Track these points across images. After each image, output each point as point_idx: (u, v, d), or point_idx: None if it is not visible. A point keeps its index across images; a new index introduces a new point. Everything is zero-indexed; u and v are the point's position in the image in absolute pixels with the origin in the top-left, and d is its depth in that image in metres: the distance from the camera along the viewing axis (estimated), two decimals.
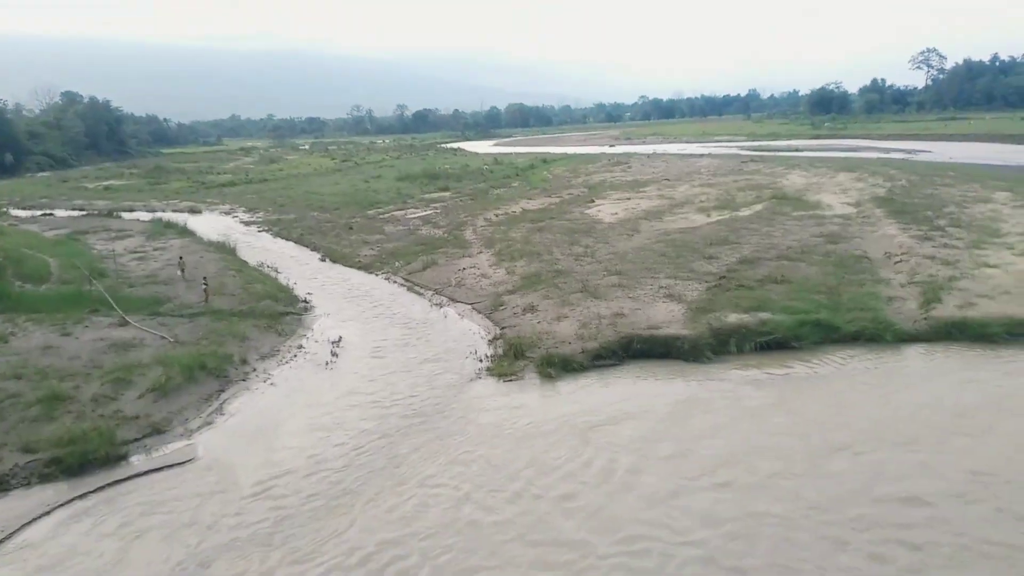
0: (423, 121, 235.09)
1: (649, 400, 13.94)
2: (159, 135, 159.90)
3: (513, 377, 15.37)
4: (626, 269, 22.44)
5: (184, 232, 35.61)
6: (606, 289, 20.36)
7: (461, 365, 16.40)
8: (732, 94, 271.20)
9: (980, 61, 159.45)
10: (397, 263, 27.08)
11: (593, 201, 38.91)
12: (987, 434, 11.79)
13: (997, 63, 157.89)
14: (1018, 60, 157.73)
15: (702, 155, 72.83)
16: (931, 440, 11.65)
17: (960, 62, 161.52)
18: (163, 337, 18.11)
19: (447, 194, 47.57)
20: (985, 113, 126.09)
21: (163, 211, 46.24)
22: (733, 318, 17.02)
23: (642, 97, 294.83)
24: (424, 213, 39.27)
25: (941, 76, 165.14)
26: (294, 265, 28.53)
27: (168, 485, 11.66)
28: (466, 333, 18.76)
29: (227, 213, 45.99)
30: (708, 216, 31.63)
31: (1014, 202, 31.03)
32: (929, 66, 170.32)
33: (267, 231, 37.56)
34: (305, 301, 22.42)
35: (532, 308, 19.41)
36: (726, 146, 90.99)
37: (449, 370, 16.16)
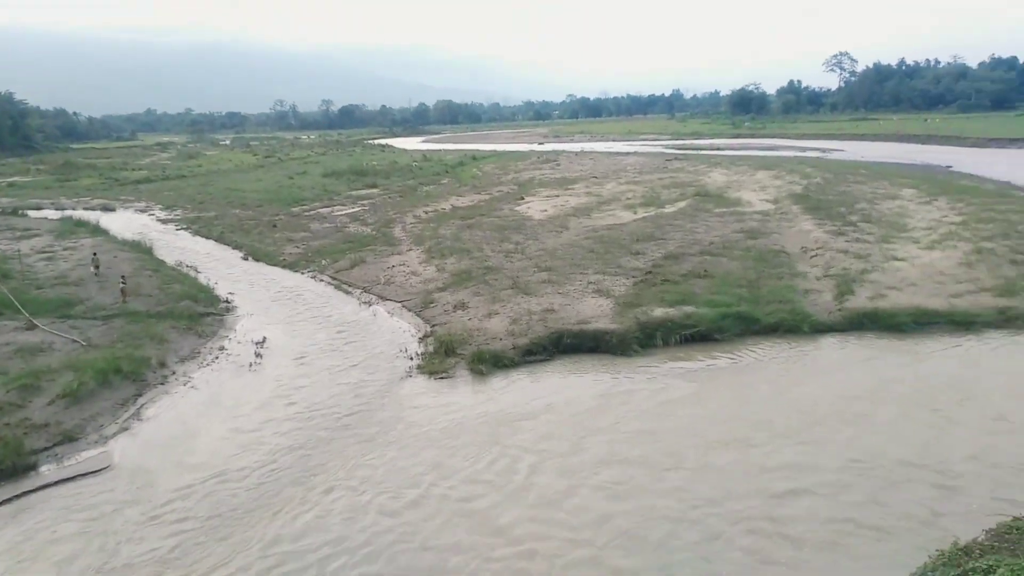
0: (349, 117, 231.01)
1: (573, 396, 14.08)
2: (68, 130, 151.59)
3: (444, 375, 15.27)
4: (556, 265, 22.62)
5: (96, 231, 33.89)
6: (536, 285, 20.47)
7: (391, 364, 16.18)
8: (657, 94, 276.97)
9: (888, 65, 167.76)
10: (324, 261, 26.52)
11: (523, 198, 39.08)
12: (872, 421, 12.37)
13: (903, 67, 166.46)
14: (922, 65, 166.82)
15: (628, 153, 74.17)
16: (821, 430, 12.10)
17: (870, 66, 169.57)
18: (75, 340, 17.22)
19: (375, 191, 46.91)
20: (893, 114, 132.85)
21: (73, 209, 43.88)
22: (659, 312, 17.38)
23: (570, 96, 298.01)
24: (352, 210, 38.61)
25: (853, 79, 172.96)
26: (215, 264, 27.56)
27: (80, 495, 11.08)
28: (396, 331, 18.52)
29: (143, 211, 44.06)
30: (635, 213, 32.20)
31: (919, 198, 32.80)
32: (842, 69, 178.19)
33: (186, 229, 36.17)
34: (227, 301, 21.70)
35: (463, 305, 19.34)
36: (651, 144, 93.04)
37: (378, 370, 15.91)
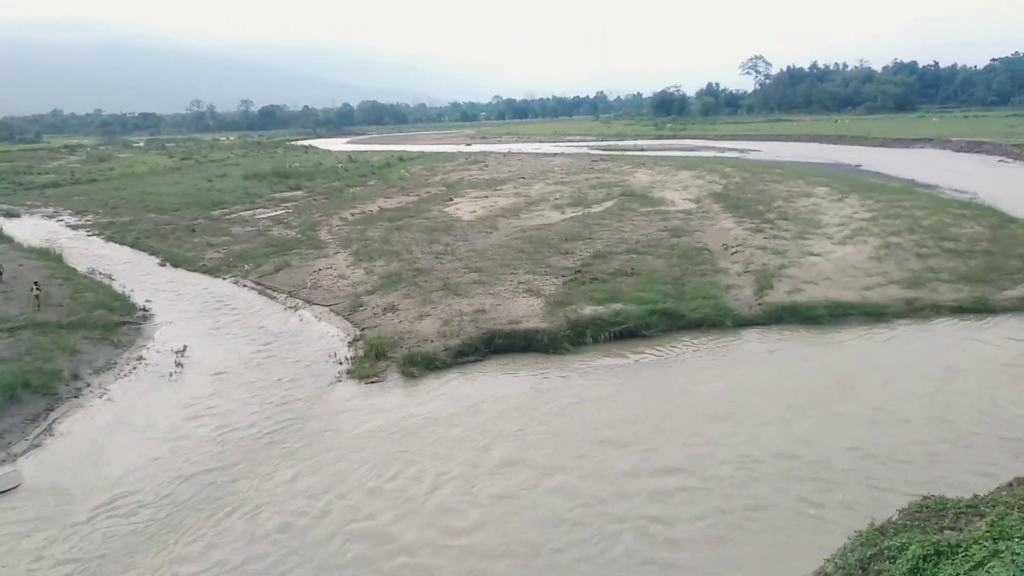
0: (271, 117, 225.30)
1: (496, 396, 14.11)
2: None
3: (375, 379, 15.06)
4: (486, 266, 22.63)
5: None
6: (467, 286, 20.43)
7: (319, 369, 15.84)
8: (582, 95, 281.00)
9: (801, 68, 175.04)
10: (247, 266, 25.76)
11: (451, 199, 38.94)
12: (758, 416, 12.76)
13: (815, 70, 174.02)
14: (831, 68, 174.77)
15: (555, 154, 74.89)
16: (708, 430, 12.31)
17: (784, 69, 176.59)
18: None
19: (299, 193, 45.87)
20: (805, 115, 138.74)
21: None
22: (589, 310, 17.61)
23: (496, 97, 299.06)
24: (275, 213, 37.63)
25: (768, 81, 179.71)
26: (130, 271, 26.40)
27: None
28: (324, 336, 18.15)
29: (51, 216, 41.83)
30: (563, 213, 32.54)
31: (831, 196, 34.31)
32: (757, 71, 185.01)
33: (98, 235, 34.52)
34: (144, 309, 20.81)
35: (393, 308, 19.12)
36: (577, 145, 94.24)
37: (306, 375, 15.56)
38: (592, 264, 22.38)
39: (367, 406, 13.92)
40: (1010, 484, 8.64)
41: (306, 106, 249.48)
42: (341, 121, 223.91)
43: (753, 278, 20.23)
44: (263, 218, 36.16)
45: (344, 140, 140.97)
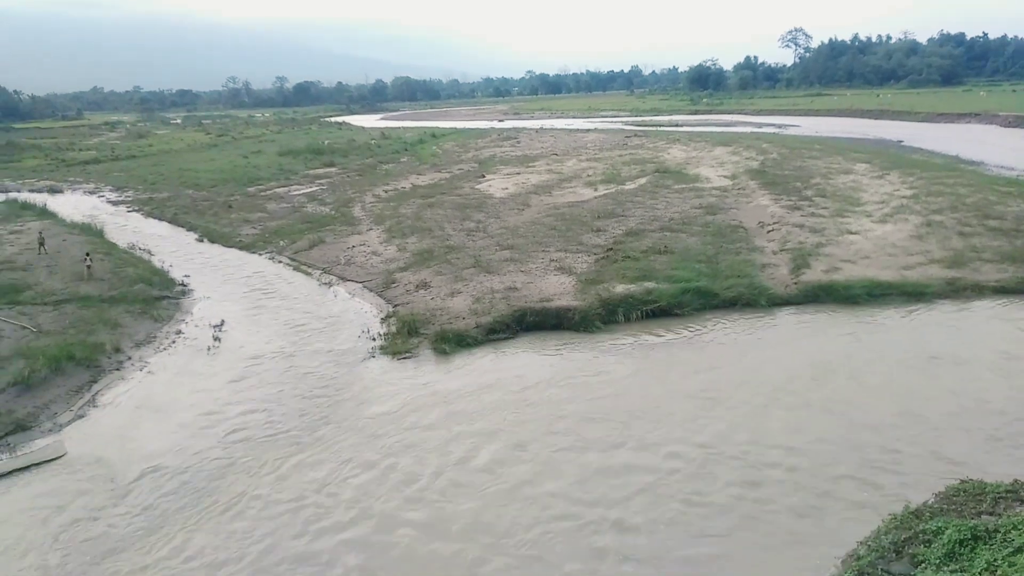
0: (305, 94, 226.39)
1: (526, 374, 14.14)
2: (10, 109, 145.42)
3: (407, 355, 15.21)
4: (518, 243, 22.60)
5: (44, 213, 32.82)
6: (499, 263, 20.45)
7: (353, 345, 16.05)
8: (616, 70, 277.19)
9: (842, 41, 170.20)
10: (282, 242, 26.10)
11: (483, 176, 38.88)
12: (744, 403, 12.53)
13: (856, 43, 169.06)
14: (874, 41, 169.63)
15: (588, 130, 74.18)
16: (694, 418, 12.06)
17: (824, 42, 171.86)
18: (24, 327, 16.70)
19: (333, 169, 46.19)
20: (846, 90, 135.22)
21: (18, 191, 42.36)
22: (620, 288, 17.51)
23: (529, 72, 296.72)
24: (309, 190, 37.98)
25: (807, 54, 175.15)
26: (169, 246, 26.93)
27: (31, 485, 10.82)
28: (357, 312, 18.36)
29: (92, 192, 42.77)
30: (595, 190, 32.29)
31: (872, 173, 33.50)
32: (796, 44, 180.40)
33: (138, 211, 35.22)
34: (182, 284, 21.26)
35: (425, 285, 19.24)
36: (611, 121, 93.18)
37: (340, 350, 15.77)
38: (624, 242, 22.21)
39: (399, 380, 14.07)
40: None
41: (340, 82, 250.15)
42: (374, 97, 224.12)
43: (789, 256, 19.90)
44: (298, 194, 36.53)
45: (377, 116, 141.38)
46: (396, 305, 18.24)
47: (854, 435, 11.00)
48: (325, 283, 21.09)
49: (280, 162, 50.76)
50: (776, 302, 17.20)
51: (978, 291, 17.15)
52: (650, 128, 74.12)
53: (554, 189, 33.15)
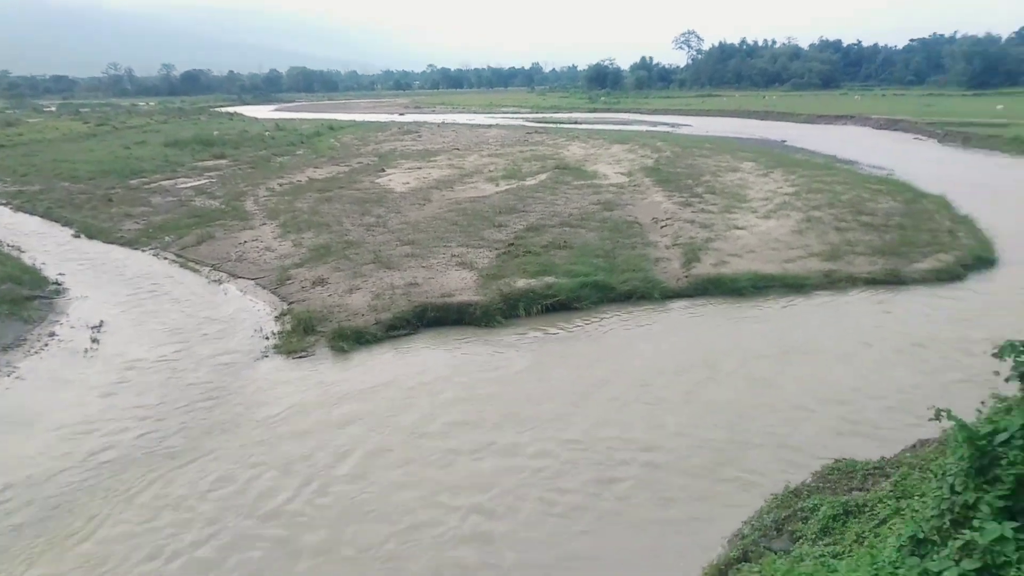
0: (193, 83, 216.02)
1: (423, 370, 13.98)
2: None
3: (303, 354, 14.76)
4: (419, 238, 22.38)
5: None
6: (399, 259, 20.19)
7: (245, 344, 15.42)
8: (517, 67, 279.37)
9: (732, 44, 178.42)
10: (167, 237, 24.79)
11: (384, 170, 38.28)
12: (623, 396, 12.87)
13: (744, 47, 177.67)
14: (760, 45, 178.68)
15: (490, 126, 74.38)
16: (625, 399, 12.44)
17: (715, 44, 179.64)
18: None
19: (224, 162, 44.26)
20: (735, 91, 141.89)
21: None
22: (521, 283, 17.65)
23: (431, 66, 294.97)
24: (198, 183, 36.23)
25: (699, 56, 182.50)
26: (42, 243, 25.05)
27: None
28: (250, 310, 17.66)
29: None
30: (497, 185, 32.42)
31: (757, 171, 35.25)
32: (689, 46, 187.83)
33: (5, 205, 32.59)
34: (56, 283, 19.80)
35: (322, 281, 18.74)
36: (512, 117, 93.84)
37: (230, 350, 15.12)
38: (525, 237, 22.41)
39: (293, 381, 13.63)
40: (913, 446, 9.13)
41: (231, 71, 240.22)
42: (268, 88, 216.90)
43: (681, 251, 20.65)
44: (185, 187, 34.78)
45: (271, 107, 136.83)
46: (291, 302, 17.67)
47: (719, 424, 11.46)
48: (215, 280, 20.19)
49: (166, 153, 48.15)
50: (669, 295, 17.81)
51: (852, 282, 18.38)
52: (550, 125, 75.12)
53: (456, 184, 33.05)
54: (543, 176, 34.86)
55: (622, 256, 20.15)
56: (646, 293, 17.68)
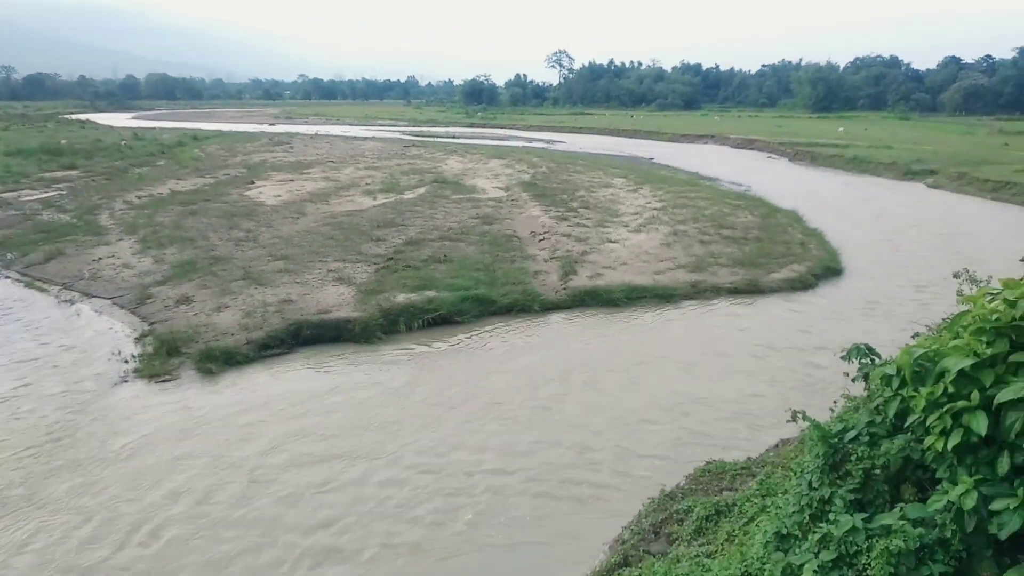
0: (39, 87, 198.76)
1: (296, 389, 13.48)
2: None
3: (167, 377, 13.84)
4: (292, 253, 21.64)
5: None
6: (271, 275, 19.41)
7: (101, 369, 14.26)
8: (393, 79, 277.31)
9: (601, 64, 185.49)
10: (9, 255, 22.64)
11: (253, 182, 36.76)
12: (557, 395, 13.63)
13: (613, 67, 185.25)
14: (627, 66, 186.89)
15: (366, 138, 73.27)
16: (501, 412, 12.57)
17: (586, 64, 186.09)
18: None
19: (75, 172, 40.94)
20: (606, 110, 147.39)
21: None
22: (401, 298, 17.44)
23: (302, 76, 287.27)
24: (45, 195, 33.32)
25: (571, 75, 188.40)
26: None
27: None
28: (106, 332, 16.38)
29: None
30: (374, 199, 31.95)
31: (628, 187, 36.74)
32: (561, 65, 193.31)
33: None
34: None
35: (187, 299, 17.69)
36: (389, 130, 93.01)
37: (84, 376, 13.94)
38: (405, 251, 22.19)
39: (155, 406, 12.74)
40: (776, 445, 9.75)
41: (83, 76, 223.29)
42: (125, 94, 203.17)
43: (558, 264, 21.13)
44: (30, 200, 31.87)
45: (129, 115, 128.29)
46: (153, 323, 16.54)
47: (564, 443, 11.55)
48: (66, 300, 18.60)
49: (7, 163, 43.86)
50: (548, 307, 18.17)
51: (716, 292, 19.50)
52: (428, 139, 74.99)
53: (331, 197, 32.26)
54: (422, 190, 34.70)
55: (502, 269, 20.36)
56: (526, 306, 17.95)
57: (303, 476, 10.49)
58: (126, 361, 14.54)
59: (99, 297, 18.62)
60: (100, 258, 21.79)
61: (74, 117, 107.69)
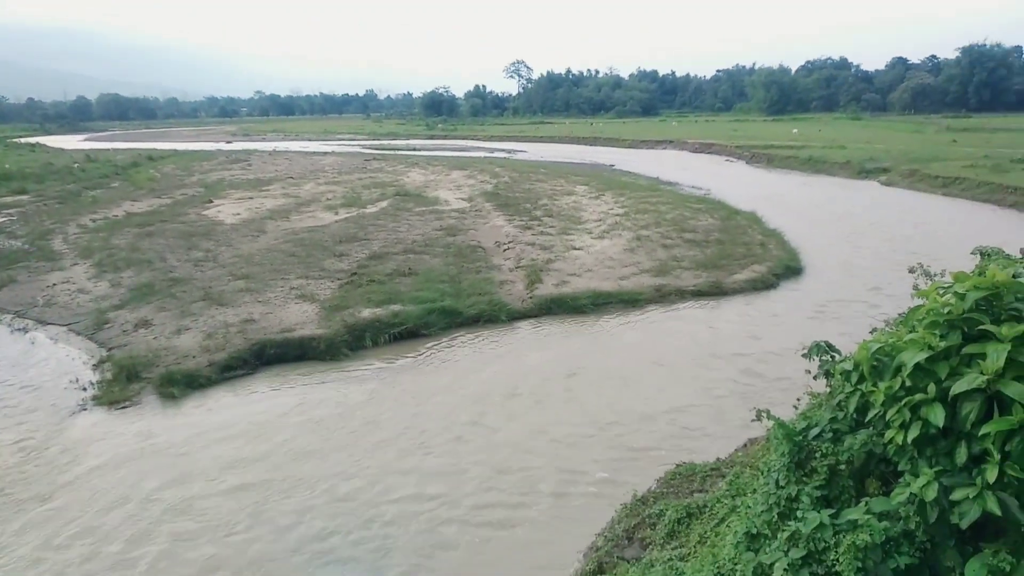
0: None
1: (260, 410, 13.25)
2: None
3: (127, 403, 13.49)
4: (253, 272, 21.31)
5: None
6: (232, 295, 19.08)
7: (57, 398, 13.84)
8: (351, 93, 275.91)
9: (559, 74, 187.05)
10: None
11: (211, 201, 36.19)
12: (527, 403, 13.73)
13: (571, 76, 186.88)
14: (585, 75, 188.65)
15: (326, 153, 72.76)
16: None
17: (544, 74, 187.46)
18: None
19: (25, 197, 39.85)
20: (565, 118, 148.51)
21: None
22: (367, 313, 17.28)
23: (259, 92, 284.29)
24: None
25: (530, 85, 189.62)
26: None
27: None
28: (62, 359, 15.91)
29: None
30: (336, 214, 31.68)
31: (590, 194, 36.99)
32: (520, 76, 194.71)
33: None
34: None
35: (146, 323, 17.29)
36: (349, 144, 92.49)
37: (40, 405, 13.51)
38: (369, 265, 22.01)
39: (115, 434, 12.39)
40: (745, 445, 9.84)
41: (31, 98, 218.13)
42: (76, 116, 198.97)
43: (524, 273, 21.14)
44: None
45: (81, 137, 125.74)
46: (111, 348, 16.12)
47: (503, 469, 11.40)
48: (19, 329, 18.03)
49: None
50: (515, 316, 18.15)
51: (680, 295, 19.67)
52: (388, 152, 74.74)
53: (292, 214, 31.90)
54: (384, 203, 34.51)
55: (468, 280, 20.31)
56: (493, 316, 17.91)
57: (234, 510, 10.13)
58: (84, 388, 14.14)
59: (54, 324, 18.10)
60: (54, 284, 21.22)
61: (23, 140, 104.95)
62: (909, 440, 3.82)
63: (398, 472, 10.93)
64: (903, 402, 3.87)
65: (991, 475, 3.44)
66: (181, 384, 14.02)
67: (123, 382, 14.12)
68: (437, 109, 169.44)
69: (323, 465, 11.20)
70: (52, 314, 18.80)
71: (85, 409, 13.37)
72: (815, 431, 4.53)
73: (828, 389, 5.17)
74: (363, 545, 9.18)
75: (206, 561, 8.94)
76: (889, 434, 3.98)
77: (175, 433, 12.41)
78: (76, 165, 57.06)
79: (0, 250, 25.89)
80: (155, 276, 21.19)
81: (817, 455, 4.43)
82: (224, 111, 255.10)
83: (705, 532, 6.66)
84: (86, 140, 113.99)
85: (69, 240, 27.36)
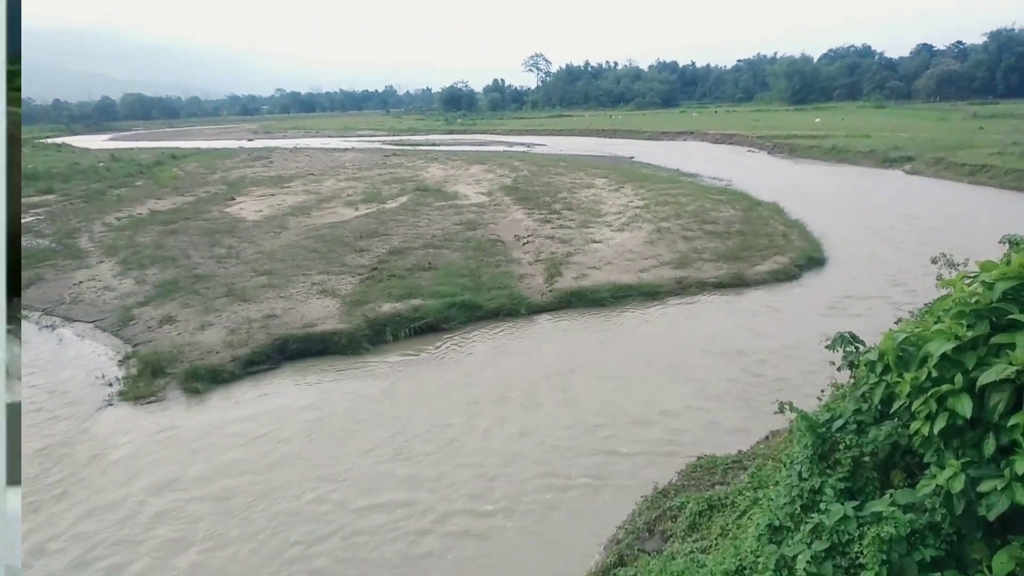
0: None
1: (282, 405, 13.36)
2: None
3: (152, 398, 13.69)
4: (275, 268, 21.50)
5: None
6: (255, 291, 19.27)
7: (85, 393, 14.08)
8: (371, 90, 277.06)
9: (578, 66, 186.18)
10: None
11: (233, 198, 36.54)
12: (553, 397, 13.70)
13: (590, 69, 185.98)
14: (604, 67, 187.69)
15: (346, 149, 73.13)
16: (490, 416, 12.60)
17: (563, 67, 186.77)
18: None
19: (52, 197, 40.52)
20: (584, 111, 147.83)
21: None
22: (387, 307, 17.36)
23: (279, 90, 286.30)
24: (22, 221, 32.93)
25: (549, 78, 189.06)
26: None
27: None
28: (88, 356, 16.18)
29: None
30: (356, 209, 31.84)
31: (609, 186, 36.82)
32: (538, 69, 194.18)
33: None
34: None
35: (170, 319, 17.52)
36: (369, 140, 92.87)
37: (69, 401, 13.76)
38: (389, 260, 22.11)
39: (136, 429, 12.58)
40: (766, 437, 9.75)
41: (57, 99, 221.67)
42: (101, 116, 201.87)
43: (543, 266, 21.11)
44: None
45: (105, 137, 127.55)
46: (136, 344, 16.36)
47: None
48: (47, 326, 18.36)
49: None
50: (535, 310, 18.13)
51: (701, 287, 19.53)
52: (408, 147, 74.98)
53: (313, 210, 32.12)
54: (404, 198, 34.62)
55: (487, 274, 20.32)
56: (513, 310, 17.90)
57: (252, 517, 10.24)
58: (110, 384, 14.37)
59: (81, 321, 18.41)
60: (81, 281, 21.56)
61: (50, 141, 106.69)
62: (935, 431, 3.75)
63: (421, 463, 11.03)
64: (929, 393, 3.81)
65: (1020, 466, 3.37)
66: (205, 379, 14.18)
67: (148, 377, 14.32)
68: (456, 104, 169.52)
69: (345, 460, 11.31)
70: (78, 311, 19.11)
71: (111, 404, 13.58)
72: (839, 423, 4.47)
73: (852, 380, 5.11)
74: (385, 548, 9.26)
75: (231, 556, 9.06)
76: (915, 425, 3.91)
77: (195, 429, 12.57)
78: (101, 164, 57.93)
79: (28, 249, 26.35)
80: (179, 273, 21.44)
81: (841, 447, 4.38)
82: (245, 109, 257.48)
83: (727, 524, 6.61)
84: (111, 140, 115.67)
85: (95, 238, 27.79)
